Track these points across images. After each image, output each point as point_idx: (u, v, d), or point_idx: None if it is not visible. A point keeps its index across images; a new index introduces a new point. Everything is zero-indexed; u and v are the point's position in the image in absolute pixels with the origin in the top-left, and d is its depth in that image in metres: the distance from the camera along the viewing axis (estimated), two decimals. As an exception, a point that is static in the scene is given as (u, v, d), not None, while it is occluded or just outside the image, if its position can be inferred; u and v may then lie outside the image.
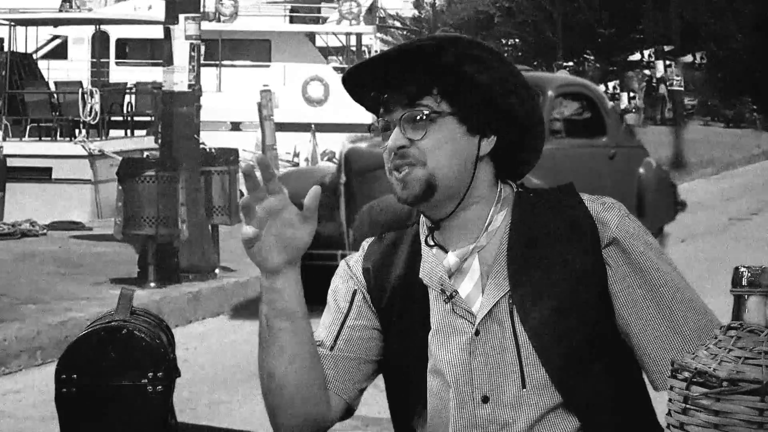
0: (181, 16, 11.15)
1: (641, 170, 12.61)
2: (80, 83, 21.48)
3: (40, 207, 16.97)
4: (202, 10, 14.04)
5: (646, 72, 41.39)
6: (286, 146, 21.45)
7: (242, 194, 2.25)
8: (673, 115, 31.71)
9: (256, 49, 26.57)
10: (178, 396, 2.22)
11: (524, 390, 2.24)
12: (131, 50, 27.56)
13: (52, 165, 18.78)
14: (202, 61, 11.80)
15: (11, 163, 17.10)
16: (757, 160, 29.22)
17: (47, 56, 26.02)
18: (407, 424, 2.36)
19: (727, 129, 38.24)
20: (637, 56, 44.70)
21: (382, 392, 2.42)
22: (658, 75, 39.16)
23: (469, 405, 2.26)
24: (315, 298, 2.72)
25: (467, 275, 2.31)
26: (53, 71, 23.99)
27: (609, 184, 11.23)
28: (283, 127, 21.20)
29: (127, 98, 21.76)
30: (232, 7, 26.52)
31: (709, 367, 1.71)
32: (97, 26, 24.46)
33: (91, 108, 19.89)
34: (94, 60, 25.26)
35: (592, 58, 44.34)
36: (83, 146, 18.96)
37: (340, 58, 30.57)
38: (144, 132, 21.41)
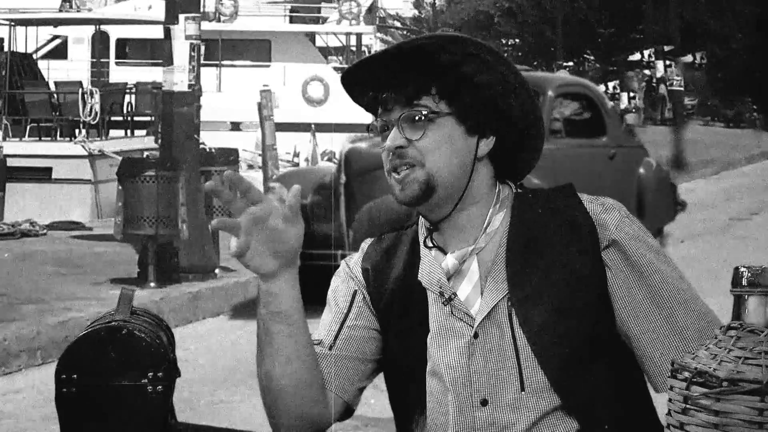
0: (181, 16, 11.15)
1: (641, 170, 12.60)
2: (80, 83, 21.47)
3: (40, 207, 16.97)
4: (202, 10, 14.04)
5: (646, 72, 41.39)
6: (286, 146, 21.44)
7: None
8: (673, 115, 31.73)
9: (256, 49, 26.57)
10: (178, 396, 2.22)
11: (523, 393, 2.23)
12: (131, 50, 27.57)
13: (52, 165, 18.77)
14: (202, 61, 11.80)
15: (11, 163, 17.09)
16: (757, 160, 29.23)
17: (47, 56, 26.02)
18: (407, 426, 2.35)
19: (727, 129, 38.25)
20: (637, 56, 44.70)
21: (382, 392, 2.42)
22: (658, 75, 39.16)
23: (468, 408, 2.25)
24: (315, 298, 2.72)
25: (466, 277, 2.30)
26: (53, 71, 23.97)
27: (609, 184, 11.22)
28: (283, 127, 21.18)
29: (127, 98, 21.75)
30: (232, 7, 26.52)
31: (709, 367, 1.70)
32: (97, 26, 24.45)
33: (91, 108, 19.89)
34: (94, 60, 25.25)
35: (592, 58, 44.36)
36: (83, 146, 18.95)
37: (340, 58, 30.56)
38: (144, 132, 21.40)
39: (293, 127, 22.75)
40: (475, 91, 2.29)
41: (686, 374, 1.73)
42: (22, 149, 18.93)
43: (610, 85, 40.73)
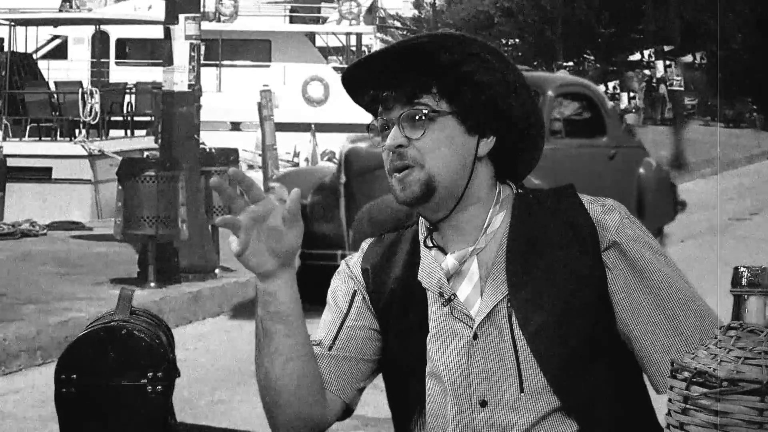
0: (181, 16, 11.15)
1: (641, 170, 12.60)
2: (80, 83, 21.49)
3: (40, 207, 16.98)
4: (202, 10, 14.04)
5: (646, 72, 41.38)
6: (286, 146, 21.44)
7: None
8: (673, 115, 31.72)
9: (256, 49, 26.58)
10: (178, 396, 2.22)
11: (522, 394, 2.23)
12: (131, 50, 27.57)
13: (52, 165, 18.79)
14: (202, 61, 11.80)
15: (11, 163, 17.09)
16: (757, 160, 29.23)
17: (47, 56, 26.03)
18: (407, 426, 2.35)
19: (727, 129, 38.24)
20: (637, 56, 44.71)
21: (382, 392, 2.41)
22: (658, 75, 39.15)
23: (467, 409, 2.25)
24: (315, 298, 2.72)
25: (466, 278, 2.29)
26: (53, 71, 23.99)
27: (609, 184, 11.23)
28: (283, 127, 21.18)
29: (127, 98, 21.76)
30: (232, 7, 26.53)
31: (709, 367, 1.70)
32: (97, 26, 24.46)
33: (91, 108, 19.90)
34: (94, 60, 25.26)
35: (592, 58, 44.36)
36: (83, 146, 18.96)
37: (340, 58, 30.57)
38: (144, 132, 21.41)
39: (293, 127, 22.76)
40: (475, 90, 2.28)
41: (686, 374, 1.73)
42: (22, 149, 18.94)
43: (610, 85, 40.72)
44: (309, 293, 2.36)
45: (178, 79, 11.15)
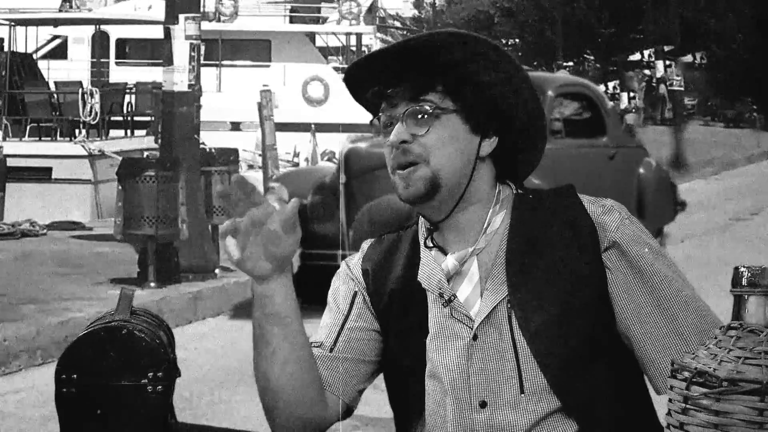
0: (181, 16, 11.15)
1: (641, 170, 12.60)
2: (80, 83, 21.48)
3: (40, 207, 16.97)
4: (202, 10, 14.05)
5: (646, 72, 41.40)
6: (286, 146, 21.42)
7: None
8: (673, 115, 31.73)
9: (256, 49, 26.56)
10: (178, 396, 2.22)
11: (522, 395, 2.22)
12: (131, 50, 27.56)
13: (52, 165, 18.78)
14: (202, 61, 11.80)
15: (11, 163, 17.09)
16: (757, 160, 29.23)
17: (47, 56, 26.01)
18: (407, 427, 2.35)
19: (727, 129, 38.24)
20: (637, 56, 44.72)
21: (383, 392, 2.41)
22: (658, 75, 39.16)
23: (467, 410, 2.25)
24: (315, 299, 2.72)
25: (466, 278, 2.29)
26: (53, 71, 23.98)
27: (609, 185, 11.23)
28: (283, 127, 21.16)
29: (127, 98, 21.75)
30: (232, 7, 26.51)
31: (709, 367, 1.70)
32: (97, 26, 24.46)
33: (91, 108, 19.89)
34: (94, 60, 25.25)
35: (592, 58, 44.36)
36: (83, 146, 18.95)
37: (340, 58, 30.56)
38: (144, 132, 21.40)
39: (293, 127, 22.74)
40: (480, 89, 2.28)
41: (686, 374, 1.73)
42: (22, 149, 18.93)
43: (610, 85, 40.74)
44: (308, 293, 2.37)
45: (178, 79, 11.15)
